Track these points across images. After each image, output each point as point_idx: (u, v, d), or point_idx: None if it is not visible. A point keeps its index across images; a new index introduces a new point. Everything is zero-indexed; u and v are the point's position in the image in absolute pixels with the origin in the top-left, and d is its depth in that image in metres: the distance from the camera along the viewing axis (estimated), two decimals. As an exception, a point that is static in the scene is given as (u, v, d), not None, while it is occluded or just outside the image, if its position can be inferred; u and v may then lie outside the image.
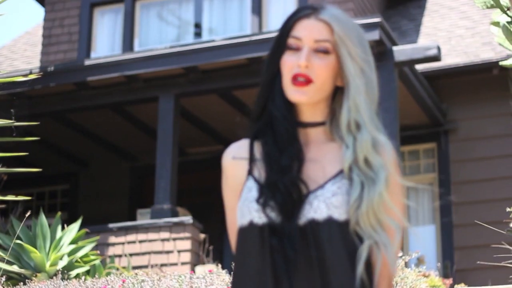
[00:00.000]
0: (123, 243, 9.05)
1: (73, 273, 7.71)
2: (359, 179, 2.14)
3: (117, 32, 12.06)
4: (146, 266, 8.75)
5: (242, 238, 2.17)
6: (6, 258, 7.67)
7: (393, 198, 2.16)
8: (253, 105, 2.26)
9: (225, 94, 10.09)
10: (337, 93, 2.25)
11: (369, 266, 2.13)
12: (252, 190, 2.17)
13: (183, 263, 8.77)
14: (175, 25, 11.91)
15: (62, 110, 10.46)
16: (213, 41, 10.09)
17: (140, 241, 9.02)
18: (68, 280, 7.16)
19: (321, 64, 2.19)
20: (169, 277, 6.73)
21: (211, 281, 6.58)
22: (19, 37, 14.92)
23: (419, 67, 10.24)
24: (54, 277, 7.27)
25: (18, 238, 7.96)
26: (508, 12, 6.77)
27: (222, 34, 11.37)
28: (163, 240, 8.94)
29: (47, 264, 7.68)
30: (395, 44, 9.25)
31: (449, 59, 10.61)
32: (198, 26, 11.71)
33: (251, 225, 2.14)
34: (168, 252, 8.89)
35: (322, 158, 2.20)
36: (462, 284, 7.65)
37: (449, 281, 7.58)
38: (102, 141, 11.51)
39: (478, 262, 8.69)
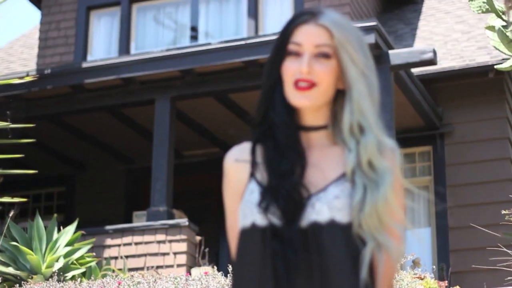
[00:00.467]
0: (119, 245, 9.05)
1: (69, 275, 7.72)
2: (361, 182, 2.14)
3: (113, 35, 12.07)
4: (142, 268, 8.75)
5: (243, 240, 2.17)
6: (2, 260, 7.67)
7: (397, 201, 2.17)
8: (255, 111, 2.26)
9: (221, 97, 10.10)
10: (338, 96, 2.25)
11: (370, 268, 2.13)
12: (254, 192, 2.17)
13: (179, 265, 8.78)
14: (171, 28, 11.92)
15: (58, 113, 10.46)
16: (209, 44, 10.10)
17: (136, 243, 9.02)
18: (64, 282, 7.17)
19: (322, 69, 2.19)
20: (165, 279, 6.74)
21: (207, 283, 6.59)
22: (16, 39, 14.92)
23: (415, 70, 10.25)
24: (50, 279, 7.28)
25: (14, 240, 7.96)
26: (503, 16, 6.80)
27: (218, 37, 11.39)
28: (159, 242, 8.94)
29: (43, 266, 7.68)
30: (391, 47, 9.27)
31: (445, 63, 10.63)
32: (194, 29, 11.72)
33: (253, 227, 2.14)
34: (164, 254, 8.89)
35: (324, 162, 2.20)
36: (458, 287, 7.67)
37: (445, 283, 7.59)
38: (98, 143, 11.51)
39: (473, 265, 8.72)
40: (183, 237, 8.89)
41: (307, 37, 2.21)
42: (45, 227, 8.12)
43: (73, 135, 11.27)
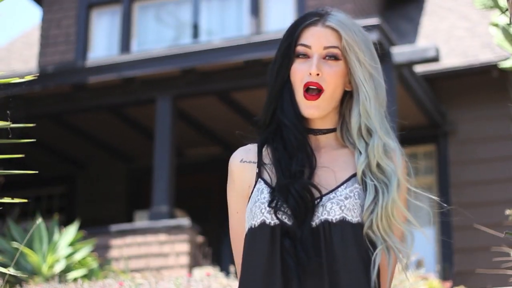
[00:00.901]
0: (121, 246, 9.02)
1: (70, 276, 7.67)
2: (373, 184, 2.18)
3: (114, 33, 12.01)
4: (144, 269, 8.71)
5: (251, 238, 2.17)
6: (3, 260, 7.63)
7: (403, 203, 2.22)
8: (262, 112, 2.28)
9: (223, 96, 10.06)
10: (346, 98, 2.27)
11: (377, 269, 2.16)
12: (263, 192, 2.18)
13: (181, 266, 8.74)
14: (172, 26, 11.86)
15: (59, 112, 10.43)
16: (211, 42, 10.06)
17: (138, 244, 8.98)
18: (65, 283, 7.13)
19: (331, 72, 2.22)
20: (167, 280, 6.70)
21: (209, 284, 6.54)
22: (16, 38, 14.88)
23: (418, 69, 10.21)
24: (51, 280, 7.23)
25: (15, 240, 7.92)
26: (507, 13, 6.73)
27: (220, 35, 11.34)
28: (161, 242, 8.90)
29: (44, 267, 7.64)
30: (393, 45, 9.22)
31: (448, 61, 10.58)
32: (195, 27, 11.67)
33: (263, 225, 2.15)
34: (166, 254, 8.85)
35: (333, 164, 2.23)
36: (462, 287, 7.62)
37: (448, 283, 7.55)
38: (99, 143, 11.47)
39: (477, 266, 8.66)
40: (185, 237, 8.85)
41: (316, 39, 2.23)
42: (46, 228, 8.08)
43: (74, 134, 11.23)
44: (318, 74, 2.20)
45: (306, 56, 2.23)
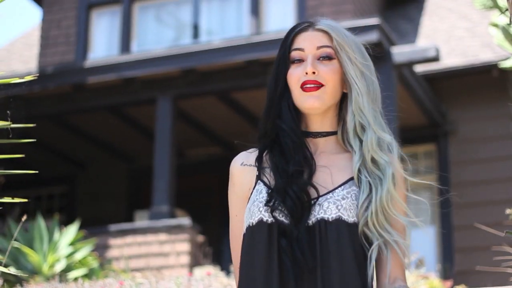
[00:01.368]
0: (121, 245, 9.02)
1: (71, 275, 7.68)
2: (367, 180, 2.21)
3: (114, 33, 12.01)
4: (144, 268, 8.71)
5: (249, 235, 2.21)
6: (3, 260, 7.63)
7: (400, 194, 2.25)
8: (261, 122, 2.33)
9: (223, 96, 10.06)
10: (344, 101, 2.32)
11: (375, 266, 2.21)
12: (262, 193, 2.23)
13: (181, 265, 8.74)
14: (172, 27, 11.87)
15: (59, 112, 10.43)
16: (211, 42, 10.06)
17: (139, 243, 8.98)
18: (65, 283, 7.13)
19: (327, 69, 2.28)
20: (167, 279, 6.69)
21: (209, 283, 6.54)
22: (16, 38, 14.88)
23: (419, 68, 10.21)
24: (52, 280, 7.24)
25: (16, 240, 7.93)
26: (506, 13, 6.74)
27: (220, 35, 11.33)
28: (161, 242, 8.90)
29: (45, 267, 7.64)
30: (393, 45, 9.23)
31: (448, 61, 10.58)
32: (196, 27, 11.67)
33: (260, 223, 2.19)
34: (166, 254, 8.85)
35: (331, 167, 2.27)
36: (463, 286, 7.62)
37: (449, 283, 7.55)
38: (99, 143, 11.47)
39: (478, 265, 8.66)
40: (186, 237, 8.85)
41: (308, 41, 2.30)
42: (47, 227, 8.08)
43: (74, 134, 11.23)
44: (314, 73, 2.26)
45: (301, 60, 2.29)
